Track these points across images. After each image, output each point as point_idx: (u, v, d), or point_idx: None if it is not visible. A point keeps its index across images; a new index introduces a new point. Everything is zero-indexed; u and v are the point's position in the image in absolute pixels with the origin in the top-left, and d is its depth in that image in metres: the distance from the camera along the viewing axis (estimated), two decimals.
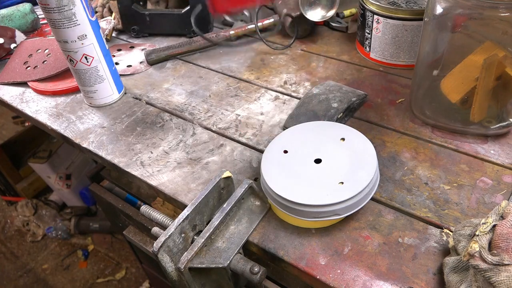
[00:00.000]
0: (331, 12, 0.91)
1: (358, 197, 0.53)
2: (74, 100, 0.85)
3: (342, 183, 0.53)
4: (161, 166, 0.68)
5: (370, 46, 0.85)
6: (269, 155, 0.58)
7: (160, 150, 0.71)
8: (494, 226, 0.42)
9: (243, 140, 0.71)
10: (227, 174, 0.58)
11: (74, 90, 0.87)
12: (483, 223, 0.43)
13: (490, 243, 0.42)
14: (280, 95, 0.80)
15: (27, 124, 2.33)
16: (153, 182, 0.65)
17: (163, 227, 0.59)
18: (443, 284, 0.47)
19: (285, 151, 0.59)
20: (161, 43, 0.99)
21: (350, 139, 0.59)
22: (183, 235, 0.54)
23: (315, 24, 0.97)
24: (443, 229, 0.54)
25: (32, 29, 1.08)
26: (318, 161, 0.57)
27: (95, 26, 0.74)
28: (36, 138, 2.00)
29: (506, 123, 0.65)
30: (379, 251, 0.52)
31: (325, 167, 0.56)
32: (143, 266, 1.23)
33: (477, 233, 0.43)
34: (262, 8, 0.99)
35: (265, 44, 0.93)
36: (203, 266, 0.52)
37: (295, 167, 0.56)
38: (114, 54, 0.95)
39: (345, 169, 0.55)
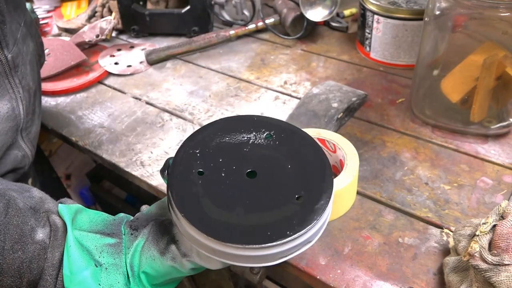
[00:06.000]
0: (332, 12, 0.91)
1: (329, 208, 0.40)
2: (74, 100, 0.85)
3: (300, 197, 0.39)
4: (161, 166, 0.67)
5: (370, 46, 0.85)
6: (179, 188, 0.40)
7: (160, 150, 0.71)
8: (494, 226, 0.42)
9: None
10: None
11: (74, 90, 0.87)
12: (483, 223, 0.43)
13: (490, 243, 0.42)
14: (280, 95, 0.80)
15: None
16: (153, 182, 0.65)
17: None
18: (444, 284, 0.47)
19: (200, 172, 0.41)
20: (161, 43, 0.99)
21: (278, 132, 0.44)
22: None
23: (315, 23, 0.97)
24: (443, 229, 0.54)
25: None
26: (252, 174, 0.41)
27: None
28: None
29: (507, 123, 0.65)
30: (379, 251, 0.52)
31: (266, 180, 0.40)
32: None
33: (477, 233, 0.43)
34: (263, 7, 0.99)
35: (274, 36, 0.92)
36: None
37: (226, 193, 0.39)
38: (114, 54, 0.95)
39: (293, 175, 0.41)
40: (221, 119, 0.46)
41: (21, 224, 0.39)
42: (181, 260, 0.41)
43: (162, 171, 0.43)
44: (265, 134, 0.44)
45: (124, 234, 0.44)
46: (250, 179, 0.40)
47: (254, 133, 0.44)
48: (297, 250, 0.38)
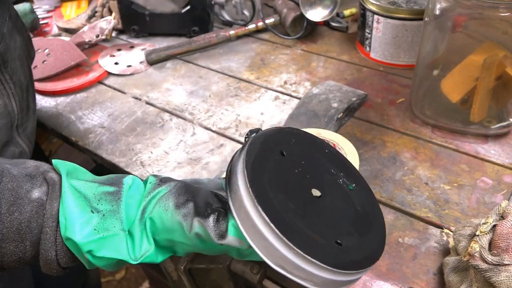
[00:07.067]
0: (332, 12, 0.91)
1: (358, 275, 0.38)
2: (74, 100, 0.85)
3: (340, 244, 0.37)
4: (161, 166, 0.68)
5: (370, 46, 0.85)
6: (254, 148, 0.40)
7: (160, 150, 0.71)
8: (494, 226, 0.42)
9: (243, 140, 0.71)
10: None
11: (74, 90, 0.87)
12: (483, 223, 0.43)
13: (490, 243, 0.42)
14: (280, 95, 0.80)
15: None
16: None
17: None
18: (443, 284, 0.47)
19: (281, 154, 0.41)
20: (161, 43, 0.99)
21: (360, 191, 0.44)
22: None
23: (315, 23, 0.97)
24: (443, 229, 0.54)
25: (32, 29, 1.08)
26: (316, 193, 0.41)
27: None
28: (35, 138, 2.00)
29: (507, 123, 0.65)
30: None
31: (324, 208, 0.40)
32: (143, 266, 1.23)
33: (477, 233, 0.43)
34: (263, 7, 0.99)
35: (274, 36, 0.92)
36: (203, 266, 0.52)
37: (286, 182, 0.39)
38: (114, 54, 0.95)
39: (347, 221, 0.40)
40: (331, 147, 0.46)
41: (16, 188, 0.38)
42: (192, 220, 0.39)
43: (251, 131, 0.43)
44: (350, 184, 0.44)
45: (126, 186, 0.43)
46: (312, 195, 0.40)
47: (343, 174, 0.44)
48: (299, 277, 0.36)
